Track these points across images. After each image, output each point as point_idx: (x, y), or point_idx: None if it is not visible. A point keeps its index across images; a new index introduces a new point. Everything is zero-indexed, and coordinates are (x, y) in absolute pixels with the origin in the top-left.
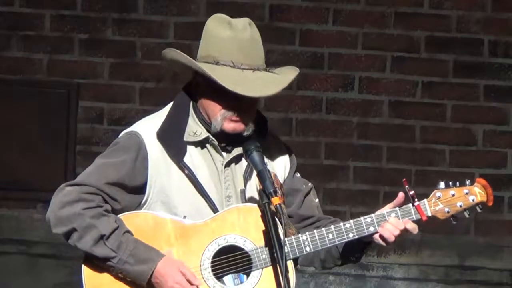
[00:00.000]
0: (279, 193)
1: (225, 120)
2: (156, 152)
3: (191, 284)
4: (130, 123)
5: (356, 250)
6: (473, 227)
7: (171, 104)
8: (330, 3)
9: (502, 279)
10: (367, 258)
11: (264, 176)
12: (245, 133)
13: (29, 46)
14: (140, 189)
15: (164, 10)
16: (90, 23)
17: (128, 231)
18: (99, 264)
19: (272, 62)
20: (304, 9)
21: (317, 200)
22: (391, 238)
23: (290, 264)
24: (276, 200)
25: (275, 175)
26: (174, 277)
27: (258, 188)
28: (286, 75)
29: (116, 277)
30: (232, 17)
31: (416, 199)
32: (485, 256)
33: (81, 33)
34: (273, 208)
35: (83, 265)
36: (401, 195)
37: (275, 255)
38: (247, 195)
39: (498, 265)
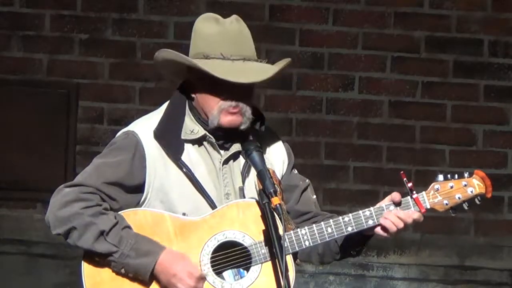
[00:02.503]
0: (278, 190)
1: (222, 113)
2: (153, 151)
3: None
4: (130, 123)
5: (356, 244)
6: (473, 227)
7: (167, 103)
8: (330, 3)
9: (502, 279)
10: (367, 258)
11: (264, 176)
12: (242, 127)
13: (29, 46)
14: (138, 189)
15: (164, 10)
16: (90, 23)
17: (128, 226)
18: (99, 261)
19: (272, 62)
20: (304, 9)
21: (314, 196)
22: (393, 229)
23: (289, 258)
24: (276, 200)
25: (273, 171)
26: (177, 268)
27: (258, 188)
28: (278, 64)
29: (117, 273)
30: (224, 18)
31: (414, 191)
32: (485, 256)
33: (81, 33)
34: (273, 208)
35: (82, 263)
36: (397, 196)
37: (276, 254)
38: (246, 192)
39: (498, 265)
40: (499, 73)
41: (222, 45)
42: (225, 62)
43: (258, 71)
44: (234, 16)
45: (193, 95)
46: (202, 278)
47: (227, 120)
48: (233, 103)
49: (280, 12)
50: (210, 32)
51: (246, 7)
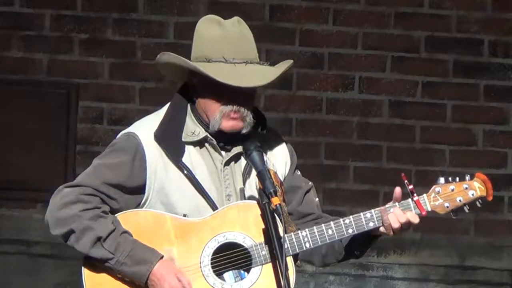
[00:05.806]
0: (279, 191)
1: (223, 118)
2: (154, 153)
3: None
4: (130, 123)
5: (362, 244)
6: (473, 227)
7: (168, 104)
8: (330, 3)
9: (502, 279)
10: (367, 258)
11: (264, 176)
12: (243, 131)
13: (29, 46)
14: (139, 190)
15: (164, 10)
16: (90, 23)
17: (125, 232)
18: (99, 264)
19: (272, 62)
20: (304, 9)
21: (317, 199)
22: (396, 224)
23: (289, 260)
24: (276, 200)
25: (275, 173)
26: (170, 282)
27: (258, 188)
28: (280, 67)
29: (116, 276)
30: (224, 18)
31: (415, 194)
32: (485, 256)
33: (81, 33)
34: (273, 208)
35: (83, 266)
36: (397, 190)
37: (276, 254)
38: (247, 193)
39: (498, 265)
40: (499, 73)
41: (224, 48)
42: (227, 66)
43: (260, 75)
44: (236, 18)
45: (195, 98)
46: None
47: (228, 125)
48: (235, 108)
49: (280, 12)
50: (212, 35)
51: (246, 7)
